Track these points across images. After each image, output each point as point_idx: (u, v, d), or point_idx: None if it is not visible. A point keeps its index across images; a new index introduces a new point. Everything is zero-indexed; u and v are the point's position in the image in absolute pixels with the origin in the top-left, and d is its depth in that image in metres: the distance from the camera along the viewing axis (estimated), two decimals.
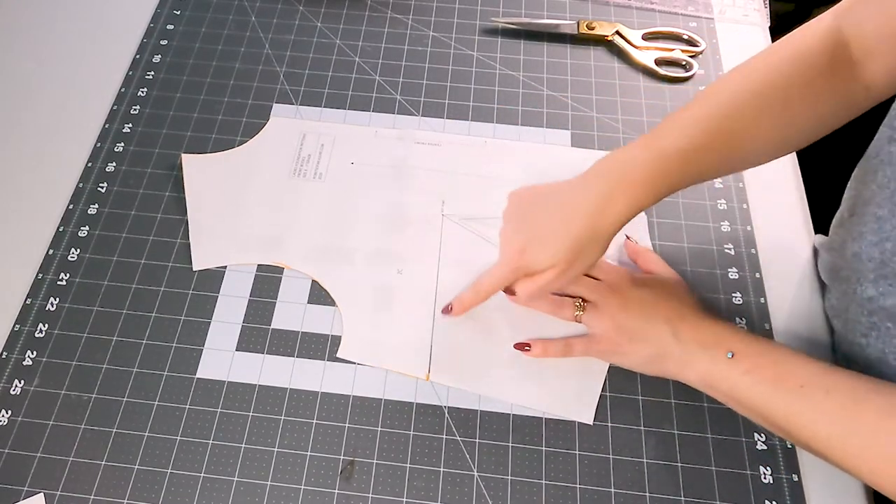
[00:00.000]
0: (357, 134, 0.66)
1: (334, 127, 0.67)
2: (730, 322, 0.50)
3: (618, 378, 0.53)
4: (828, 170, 0.57)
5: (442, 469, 0.50)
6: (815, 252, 0.59)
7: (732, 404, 0.48)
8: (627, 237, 0.59)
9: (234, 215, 0.61)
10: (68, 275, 0.58)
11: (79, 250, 0.59)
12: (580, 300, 0.53)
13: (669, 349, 0.49)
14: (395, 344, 0.55)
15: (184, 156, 0.64)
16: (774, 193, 0.63)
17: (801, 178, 0.64)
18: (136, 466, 0.50)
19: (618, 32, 0.72)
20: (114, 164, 0.64)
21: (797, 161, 0.65)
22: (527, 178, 0.63)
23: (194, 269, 0.58)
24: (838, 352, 0.54)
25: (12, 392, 0.53)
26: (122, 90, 0.69)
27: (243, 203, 0.62)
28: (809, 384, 0.44)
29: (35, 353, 0.54)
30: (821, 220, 0.59)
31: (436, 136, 0.66)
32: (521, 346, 0.54)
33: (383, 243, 0.59)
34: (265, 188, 0.63)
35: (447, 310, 0.55)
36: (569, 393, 0.53)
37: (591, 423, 0.52)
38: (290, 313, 0.56)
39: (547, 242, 0.48)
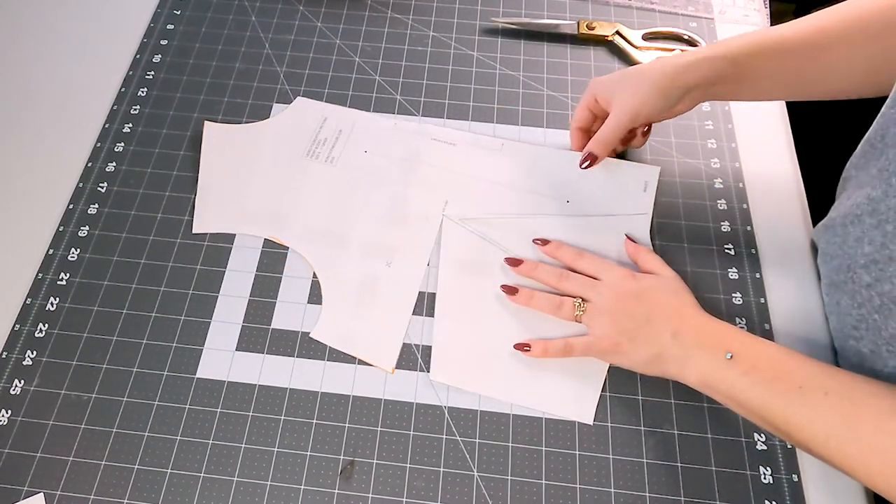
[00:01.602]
0: (377, 123, 0.67)
1: (356, 114, 0.67)
2: (729, 323, 0.50)
3: (618, 378, 0.53)
4: (827, 169, 0.57)
5: (442, 469, 0.50)
6: (815, 249, 0.59)
7: (732, 405, 0.48)
8: (627, 236, 0.59)
9: (243, 186, 0.62)
10: (68, 275, 0.58)
11: (79, 250, 0.59)
12: (580, 300, 0.54)
13: (669, 350, 0.49)
14: (369, 334, 0.55)
15: (206, 123, 0.66)
16: (774, 194, 0.63)
17: (801, 179, 0.64)
18: (136, 466, 0.50)
19: (618, 32, 0.72)
20: (114, 164, 0.64)
21: (797, 161, 0.65)
22: (542, 186, 0.62)
23: (194, 231, 0.59)
24: (837, 350, 0.54)
25: (12, 392, 0.53)
26: (122, 90, 0.69)
27: (253, 175, 0.63)
28: (808, 385, 0.44)
29: (35, 353, 0.54)
30: (820, 219, 0.59)
31: (453, 134, 0.66)
32: (521, 347, 0.54)
33: (379, 234, 0.60)
34: (277, 165, 0.64)
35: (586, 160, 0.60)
36: (568, 393, 0.53)
37: (591, 423, 0.52)
38: (290, 313, 0.56)
39: (622, 80, 0.58)
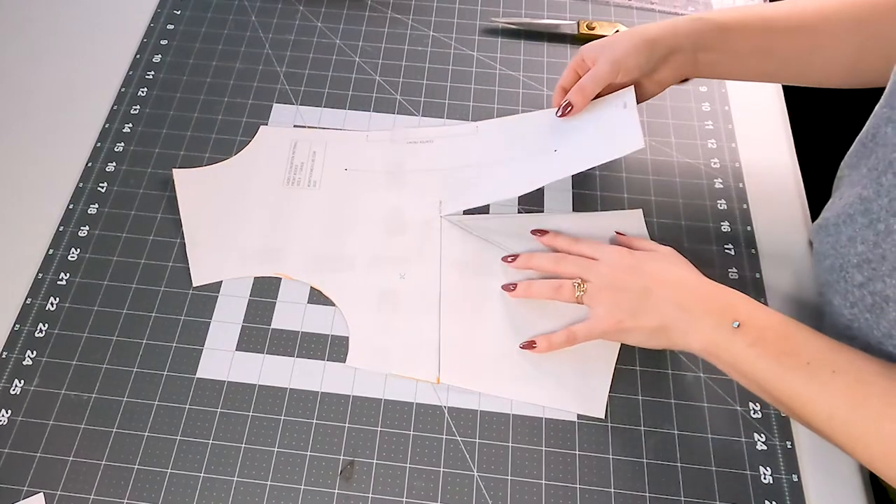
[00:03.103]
0: (349, 139, 0.66)
1: (325, 133, 0.66)
2: (736, 290, 0.49)
3: (618, 378, 0.53)
4: (827, 169, 0.57)
5: (442, 469, 0.50)
6: (812, 246, 0.59)
7: (735, 376, 0.47)
8: (617, 233, 0.59)
9: (231, 229, 0.60)
10: (68, 275, 0.58)
11: (79, 250, 0.59)
12: (579, 281, 0.53)
13: (673, 320, 0.49)
14: (403, 349, 0.55)
15: (174, 170, 0.63)
16: (774, 194, 0.63)
17: (801, 179, 0.64)
18: (136, 466, 0.50)
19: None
20: (114, 164, 0.64)
21: (797, 161, 0.65)
22: (527, 149, 0.62)
23: (194, 284, 0.57)
24: None
25: (12, 392, 0.53)
26: (122, 90, 0.69)
27: (239, 215, 0.61)
28: (815, 362, 0.44)
29: (35, 352, 0.54)
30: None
31: (427, 131, 0.66)
32: (529, 346, 0.53)
33: (383, 248, 0.59)
34: (260, 199, 0.62)
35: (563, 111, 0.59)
36: (578, 388, 0.53)
37: (602, 416, 0.52)
38: (290, 313, 0.56)
39: (613, 37, 0.57)
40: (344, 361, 0.54)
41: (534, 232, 0.59)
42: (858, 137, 0.51)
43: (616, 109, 0.58)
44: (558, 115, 0.59)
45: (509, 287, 0.56)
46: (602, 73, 0.56)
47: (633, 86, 0.58)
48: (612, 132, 0.57)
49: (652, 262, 0.52)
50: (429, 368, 0.54)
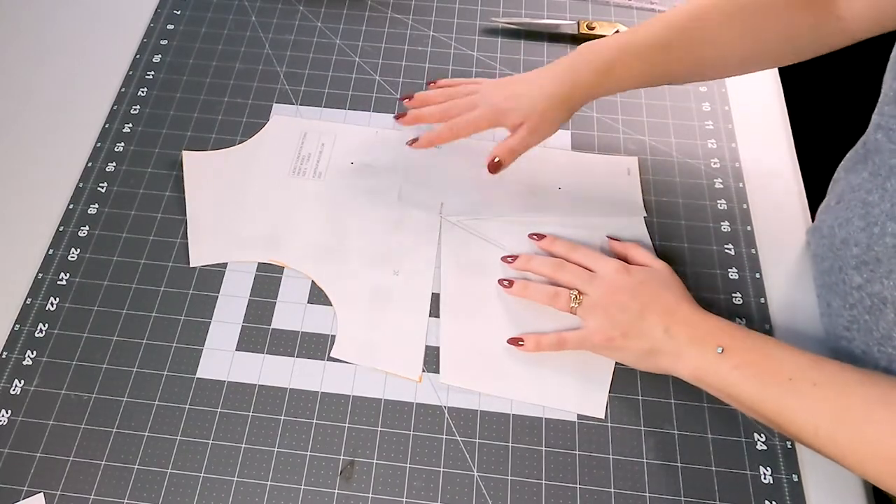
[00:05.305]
0: (358, 134, 0.66)
1: (335, 126, 0.67)
2: (720, 317, 0.50)
3: (618, 378, 0.53)
4: (827, 169, 0.57)
5: (442, 469, 0.50)
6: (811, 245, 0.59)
7: (724, 398, 0.48)
8: (609, 237, 0.59)
9: (233, 213, 0.61)
10: (68, 275, 0.58)
11: (79, 250, 0.59)
12: (576, 292, 0.53)
13: (661, 345, 0.49)
14: (389, 345, 0.55)
15: (184, 152, 0.64)
16: (775, 194, 0.63)
17: (801, 179, 0.64)
18: (136, 466, 0.50)
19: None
20: (114, 164, 0.64)
21: (797, 161, 0.65)
22: (532, 177, 0.63)
23: (192, 265, 0.58)
24: (830, 351, 0.54)
25: (12, 392, 0.53)
26: (122, 90, 0.69)
27: (242, 201, 0.62)
28: (797, 377, 0.45)
29: (35, 353, 0.54)
30: None
31: None
32: (515, 342, 0.54)
33: (381, 244, 0.59)
34: (264, 186, 0.63)
35: (411, 142, 0.60)
36: (578, 388, 0.53)
37: (602, 416, 0.52)
38: (290, 313, 0.56)
39: (521, 100, 0.56)
40: (345, 361, 0.54)
41: (532, 235, 0.59)
42: (857, 144, 0.51)
43: (620, 176, 0.64)
44: (490, 170, 0.58)
45: (503, 283, 0.56)
46: (531, 144, 0.57)
47: (636, 158, 0.64)
48: (615, 196, 0.63)
49: (647, 283, 0.53)
50: (412, 366, 0.54)
